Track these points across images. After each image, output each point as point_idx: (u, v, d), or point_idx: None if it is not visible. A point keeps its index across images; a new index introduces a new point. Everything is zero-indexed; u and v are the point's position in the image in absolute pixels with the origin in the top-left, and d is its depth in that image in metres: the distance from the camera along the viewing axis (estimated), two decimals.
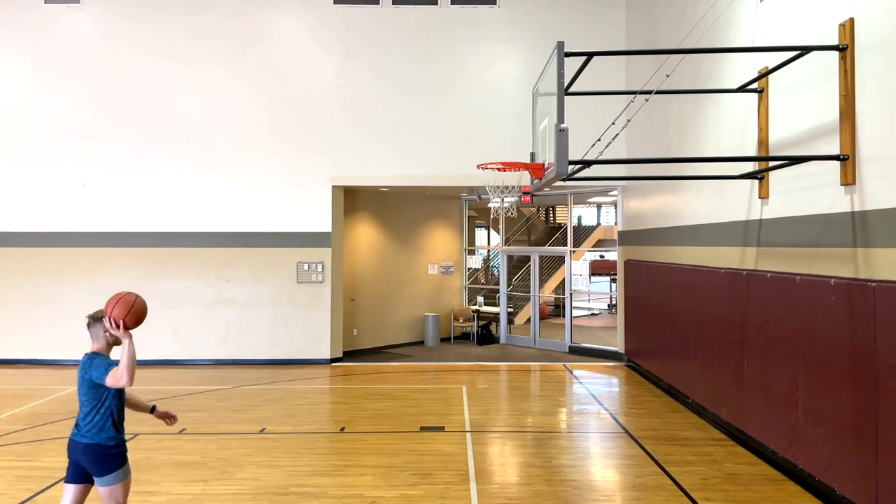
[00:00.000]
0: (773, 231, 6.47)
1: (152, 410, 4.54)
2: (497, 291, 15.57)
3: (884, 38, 4.78)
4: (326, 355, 12.08)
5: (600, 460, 6.68)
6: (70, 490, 4.03)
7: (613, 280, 18.16)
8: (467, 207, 16.11)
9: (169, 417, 4.58)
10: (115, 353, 4.01)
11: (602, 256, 26.53)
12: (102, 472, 3.95)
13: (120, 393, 4.09)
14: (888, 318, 4.50)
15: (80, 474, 4.03)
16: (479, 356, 13.12)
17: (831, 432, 5.21)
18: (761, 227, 6.72)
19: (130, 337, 3.90)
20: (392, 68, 12.23)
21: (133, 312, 3.98)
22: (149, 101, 12.13)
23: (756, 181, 6.79)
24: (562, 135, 5.11)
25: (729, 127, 7.57)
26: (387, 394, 9.63)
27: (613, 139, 6.77)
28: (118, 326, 3.90)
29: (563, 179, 5.71)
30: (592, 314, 20.83)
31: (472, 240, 17.52)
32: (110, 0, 12.15)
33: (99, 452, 3.96)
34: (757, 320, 6.46)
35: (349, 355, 12.91)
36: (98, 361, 3.96)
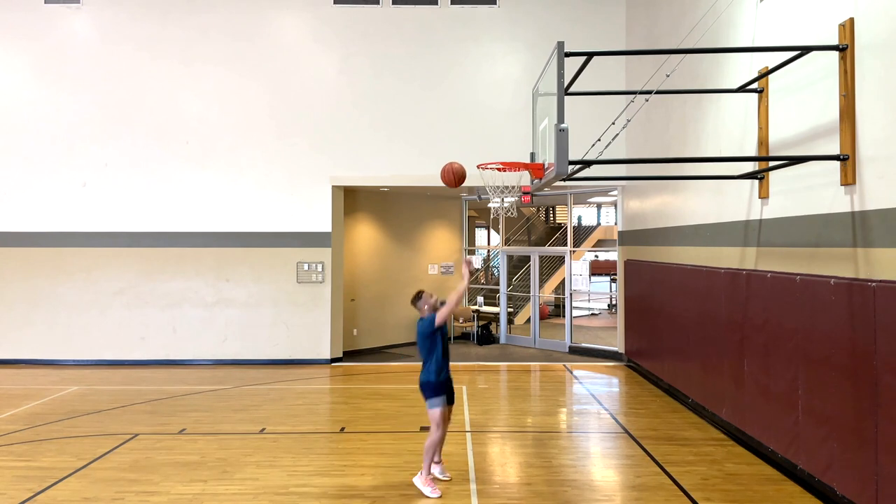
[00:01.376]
0: (773, 231, 6.47)
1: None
2: (497, 291, 15.57)
3: (884, 38, 4.78)
4: (326, 355, 12.08)
5: (600, 460, 6.68)
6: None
7: (613, 280, 18.17)
8: (467, 207, 16.11)
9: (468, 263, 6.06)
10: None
11: (597, 256, 26.51)
12: (428, 396, 5.79)
13: (444, 341, 5.86)
14: (888, 319, 4.50)
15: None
16: (479, 356, 13.12)
17: (831, 432, 5.21)
18: (761, 227, 6.72)
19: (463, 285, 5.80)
20: (392, 68, 12.23)
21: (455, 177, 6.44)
22: (149, 100, 12.13)
23: (756, 181, 6.79)
24: (562, 135, 5.11)
25: (729, 127, 7.57)
26: (387, 394, 9.63)
27: (613, 139, 6.77)
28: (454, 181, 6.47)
29: (563, 179, 5.71)
30: (592, 314, 20.83)
31: (472, 240, 17.52)
32: (110, 0, 12.14)
33: (428, 385, 5.77)
34: (757, 320, 6.46)
35: (349, 355, 12.91)
36: (428, 318, 5.76)
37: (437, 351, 5.75)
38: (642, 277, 10.77)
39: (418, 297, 5.90)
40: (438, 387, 5.73)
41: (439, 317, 5.66)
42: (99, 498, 5.68)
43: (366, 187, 12.96)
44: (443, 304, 5.77)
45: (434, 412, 5.70)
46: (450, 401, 5.91)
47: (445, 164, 6.64)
